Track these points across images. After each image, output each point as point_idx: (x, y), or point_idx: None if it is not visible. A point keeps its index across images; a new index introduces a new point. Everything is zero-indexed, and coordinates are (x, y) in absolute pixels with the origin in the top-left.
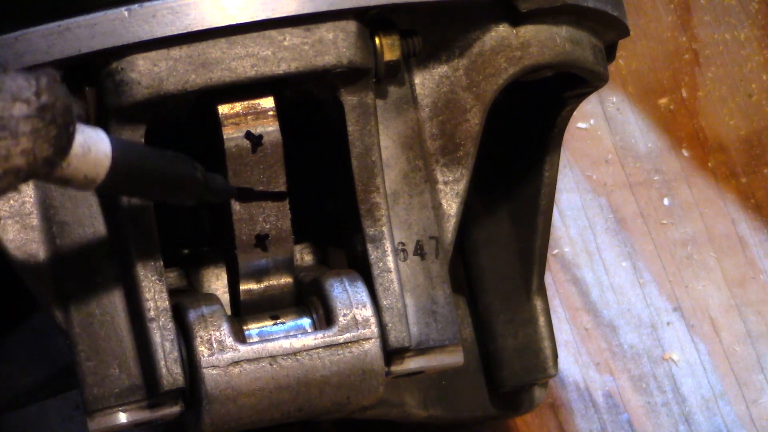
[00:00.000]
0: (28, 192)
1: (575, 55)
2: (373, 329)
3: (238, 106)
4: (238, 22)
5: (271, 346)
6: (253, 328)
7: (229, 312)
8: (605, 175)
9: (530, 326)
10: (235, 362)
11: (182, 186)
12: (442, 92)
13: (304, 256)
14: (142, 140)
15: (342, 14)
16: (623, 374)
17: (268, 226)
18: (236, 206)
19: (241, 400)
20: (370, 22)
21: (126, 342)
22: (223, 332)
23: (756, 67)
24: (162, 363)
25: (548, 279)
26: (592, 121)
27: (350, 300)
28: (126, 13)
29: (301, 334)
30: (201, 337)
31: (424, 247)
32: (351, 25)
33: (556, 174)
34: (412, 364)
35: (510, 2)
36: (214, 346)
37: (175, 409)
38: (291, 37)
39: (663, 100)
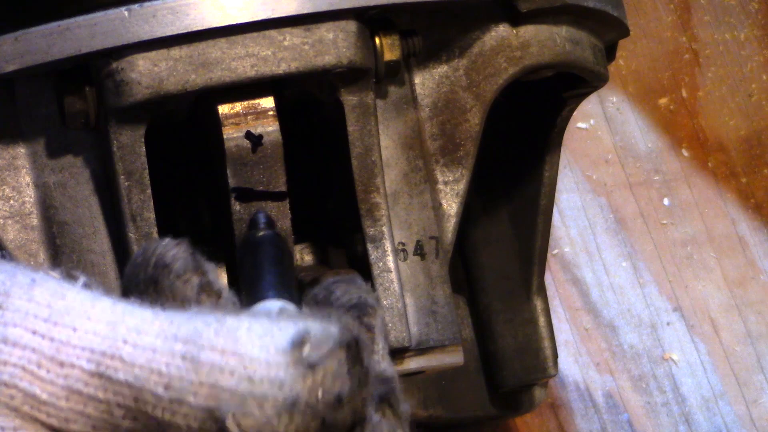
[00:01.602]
0: (28, 192)
1: (575, 55)
2: None
3: (238, 106)
4: (238, 22)
5: None
6: None
7: None
8: (605, 175)
9: (530, 326)
10: None
11: None
12: (442, 92)
13: (304, 256)
14: (142, 140)
15: (342, 14)
16: (623, 374)
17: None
18: (236, 206)
19: None
20: (370, 22)
21: None
22: None
23: (756, 67)
24: None
25: (548, 279)
26: (592, 121)
27: None
28: (126, 13)
29: None
30: None
31: (424, 247)
32: (351, 25)
33: (556, 174)
34: (412, 364)
35: (510, 2)
36: None
37: None
38: (291, 37)
39: (663, 100)
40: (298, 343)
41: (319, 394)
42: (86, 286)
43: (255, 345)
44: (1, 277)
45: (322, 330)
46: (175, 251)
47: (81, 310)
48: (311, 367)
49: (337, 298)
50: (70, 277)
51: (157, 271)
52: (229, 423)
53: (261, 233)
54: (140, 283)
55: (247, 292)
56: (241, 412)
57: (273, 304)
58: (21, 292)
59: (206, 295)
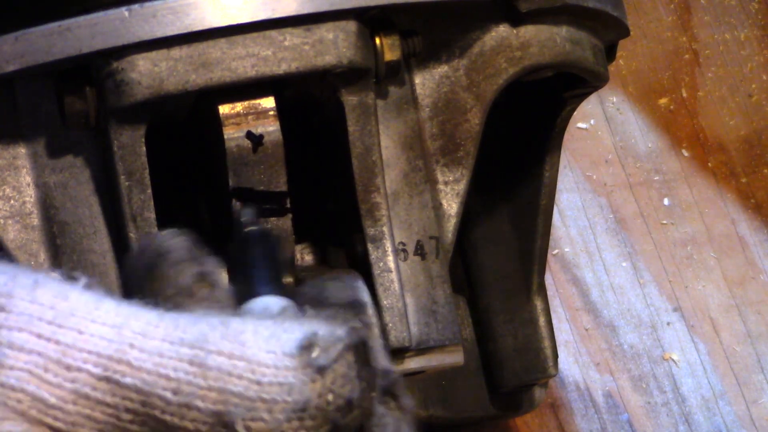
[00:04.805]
0: (29, 192)
1: (575, 56)
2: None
3: (239, 106)
4: (239, 22)
5: None
6: None
7: None
8: (605, 175)
9: (530, 326)
10: None
11: None
12: (442, 92)
13: (304, 256)
14: (143, 140)
15: (342, 14)
16: (623, 374)
17: (268, 226)
18: (236, 206)
19: None
20: (370, 22)
21: None
22: None
23: (756, 67)
24: None
25: (548, 279)
26: (592, 121)
27: None
28: (126, 13)
29: None
30: None
31: (425, 247)
32: (351, 25)
33: (556, 174)
34: (412, 364)
35: (510, 2)
36: None
37: None
38: (291, 37)
39: (663, 100)
40: (306, 346)
41: (330, 398)
42: (87, 286)
43: (262, 348)
44: (2, 279)
45: (329, 333)
46: (173, 241)
47: (85, 312)
48: (320, 371)
49: (329, 297)
50: (70, 278)
51: (155, 259)
52: (239, 428)
53: (249, 228)
54: (138, 270)
55: (240, 287)
56: (250, 416)
57: (269, 301)
58: (24, 293)
59: (201, 285)
